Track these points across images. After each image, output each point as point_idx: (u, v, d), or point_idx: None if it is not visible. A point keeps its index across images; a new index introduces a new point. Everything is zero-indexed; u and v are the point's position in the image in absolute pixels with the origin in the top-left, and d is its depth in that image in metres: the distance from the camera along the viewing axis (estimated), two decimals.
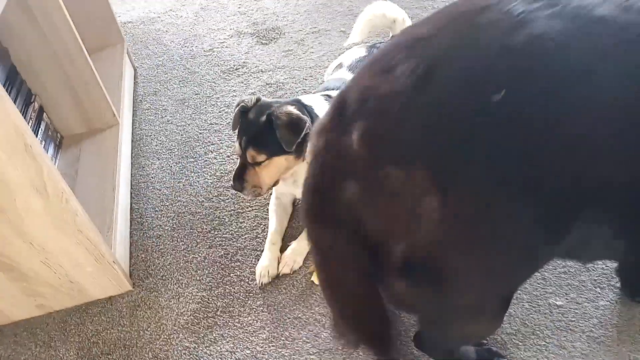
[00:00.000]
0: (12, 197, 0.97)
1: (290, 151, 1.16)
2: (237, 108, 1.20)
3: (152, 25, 2.33)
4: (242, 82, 1.92)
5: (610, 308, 1.13)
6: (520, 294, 1.17)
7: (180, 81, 1.98)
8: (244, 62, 2.02)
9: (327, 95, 1.33)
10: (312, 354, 1.13)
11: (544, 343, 1.09)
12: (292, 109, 1.15)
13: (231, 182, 1.21)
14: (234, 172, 1.20)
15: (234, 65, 2.01)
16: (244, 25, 2.23)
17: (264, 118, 1.15)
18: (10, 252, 1.07)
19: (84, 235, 1.10)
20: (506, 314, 1.14)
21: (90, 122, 1.56)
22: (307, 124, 1.15)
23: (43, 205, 1.00)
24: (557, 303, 1.15)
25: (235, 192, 1.25)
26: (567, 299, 1.16)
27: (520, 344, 1.09)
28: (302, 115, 1.15)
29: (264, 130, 1.15)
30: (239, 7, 2.35)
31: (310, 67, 1.94)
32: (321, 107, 1.26)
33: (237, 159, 1.25)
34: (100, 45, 1.90)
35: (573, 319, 1.12)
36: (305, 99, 1.27)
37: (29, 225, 1.03)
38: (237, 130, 1.21)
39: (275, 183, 1.24)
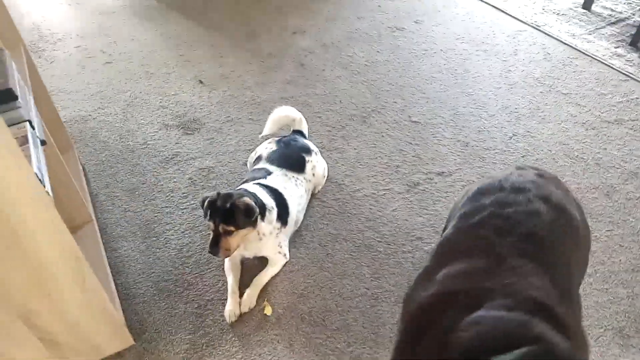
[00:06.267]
0: (60, 290, 1.43)
1: (247, 225, 1.75)
2: (206, 203, 1.74)
3: (86, 124, 2.75)
4: (179, 170, 2.44)
5: None
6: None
7: (126, 173, 2.44)
8: (176, 152, 2.54)
9: (261, 184, 1.94)
10: None
11: None
12: (247, 200, 1.74)
13: (209, 249, 1.73)
14: (209, 243, 1.73)
15: (169, 155, 2.52)
16: (168, 118, 2.75)
17: (228, 205, 1.71)
18: (53, 328, 1.51)
19: (108, 312, 1.57)
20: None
21: (71, 221, 1.99)
22: (257, 210, 1.75)
23: (81, 295, 1.48)
24: None
25: (212, 255, 1.77)
26: None
27: None
28: (253, 205, 1.74)
29: (231, 212, 1.70)
30: (160, 102, 2.87)
31: (231, 152, 2.53)
32: (260, 194, 1.86)
33: (210, 233, 1.74)
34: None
35: None
36: (250, 188, 1.87)
37: (70, 310, 1.48)
38: (208, 215, 1.74)
39: (238, 246, 1.80)
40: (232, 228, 1.72)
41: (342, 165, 2.43)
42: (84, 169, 2.47)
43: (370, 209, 2.22)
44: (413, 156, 2.47)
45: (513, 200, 1.21)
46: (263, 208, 1.84)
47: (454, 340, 0.89)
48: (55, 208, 1.29)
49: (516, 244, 1.11)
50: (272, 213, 1.89)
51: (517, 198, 1.22)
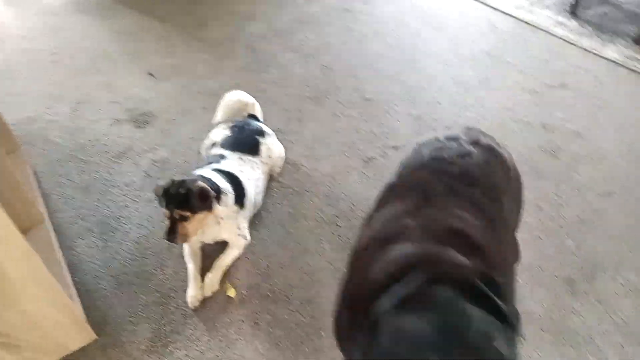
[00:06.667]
0: (15, 290, 1.40)
1: (203, 209, 1.73)
2: (161, 192, 1.72)
3: (34, 125, 2.66)
4: (133, 163, 2.40)
5: None
6: None
7: (78, 171, 2.38)
8: (129, 146, 2.50)
9: (216, 169, 1.93)
10: (241, 340, 1.71)
11: None
12: (201, 183, 1.73)
13: (165, 237, 1.70)
14: (166, 230, 1.70)
15: (122, 150, 2.47)
16: (119, 114, 2.70)
17: (183, 190, 1.70)
18: (10, 330, 1.47)
19: (67, 309, 1.54)
20: None
21: (20, 222, 1.93)
22: (212, 194, 1.74)
23: (37, 294, 1.44)
24: None
25: (169, 242, 1.74)
26: None
27: None
28: (208, 188, 1.73)
29: (186, 197, 1.69)
30: (111, 97, 2.81)
31: (185, 142, 2.50)
32: (215, 178, 1.85)
33: (167, 220, 1.71)
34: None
35: None
36: (204, 173, 1.85)
37: (27, 310, 1.44)
38: (163, 203, 1.71)
39: (196, 231, 1.78)
40: (187, 213, 1.71)
41: (299, 146, 2.44)
42: (34, 170, 2.40)
43: (329, 186, 2.24)
44: (367, 132, 2.50)
45: (447, 146, 1.31)
46: (218, 192, 1.83)
47: (366, 278, 0.95)
48: (3, 209, 1.26)
49: (449, 182, 1.19)
50: (229, 196, 1.88)
51: (451, 144, 1.32)
